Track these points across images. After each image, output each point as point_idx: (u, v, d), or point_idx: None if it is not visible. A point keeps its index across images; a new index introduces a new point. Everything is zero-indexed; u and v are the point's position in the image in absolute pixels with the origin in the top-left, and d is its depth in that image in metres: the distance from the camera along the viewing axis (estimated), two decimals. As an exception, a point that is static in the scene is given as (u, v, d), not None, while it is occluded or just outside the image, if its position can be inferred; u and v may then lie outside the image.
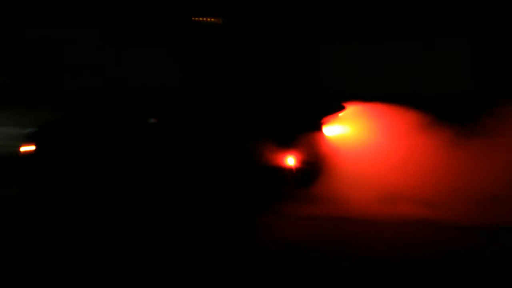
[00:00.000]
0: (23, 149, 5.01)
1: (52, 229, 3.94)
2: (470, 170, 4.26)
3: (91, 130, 4.93)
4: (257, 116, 4.64)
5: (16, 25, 12.79)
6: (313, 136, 4.53)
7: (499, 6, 8.82)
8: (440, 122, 4.49)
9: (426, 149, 4.43)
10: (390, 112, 4.77)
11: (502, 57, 8.27)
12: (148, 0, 12.50)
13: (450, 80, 8.79)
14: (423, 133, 4.56)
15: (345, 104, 4.88)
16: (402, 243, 3.56)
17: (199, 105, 4.78)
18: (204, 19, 12.72)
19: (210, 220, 4.17)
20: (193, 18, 12.70)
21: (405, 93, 7.49)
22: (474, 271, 3.01)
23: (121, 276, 3.03)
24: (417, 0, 9.95)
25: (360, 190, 4.30)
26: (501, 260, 3.19)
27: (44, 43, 12.11)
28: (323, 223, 4.02)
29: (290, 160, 4.54)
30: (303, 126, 4.57)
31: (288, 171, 4.54)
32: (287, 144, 4.49)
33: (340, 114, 4.76)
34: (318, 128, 4.53)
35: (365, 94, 5.08)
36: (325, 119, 4.59)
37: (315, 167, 4.49)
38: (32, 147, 4.96)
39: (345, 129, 4.71)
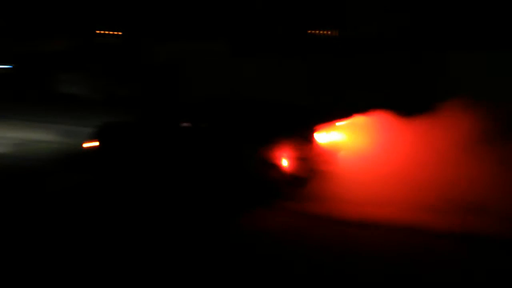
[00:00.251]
0: (86, 145, 6.11)
1: (111, 204, 5.11)
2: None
3: (139, 131, 5.89)
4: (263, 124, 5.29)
5: (156, 43, 14.52)
6: (308, 142, 4.88)
7: None
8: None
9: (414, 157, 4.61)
10: (387, 123, 4.96)
11: None
12: (269, 16, 13.40)
13: None
14: (415, 141, 4.70)
15: (347, 115, 5.20)
16: (380, 245, 3.81)
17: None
18: (320, 32, 13.22)
19: (216, 203, 4.96)
20: (309, 32, 13.27)
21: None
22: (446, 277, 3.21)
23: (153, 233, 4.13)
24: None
25: (349, 193, 4.55)
26: (476, 269, 3.37)
27: (176, 57, 13.49)
28: (309, 220, 4.37)
29: (286, 162, 4.94)
30: (298, 132, 5.03)
31: (284, 171, 4.92)
32: (284, 147, 4.94)
33: (339, 123, 5.10)
34: (311, 135, 4.91)
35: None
36: (318, 127, 4.95)
37: (309, 169, 4.83)
38: (95, 143, 6.00)
39: (341, 137, 5.01)
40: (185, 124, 5.54)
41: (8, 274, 3.39)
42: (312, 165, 4.87)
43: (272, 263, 3.50)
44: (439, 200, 4.39)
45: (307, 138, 4.92)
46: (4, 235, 4.19)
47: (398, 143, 4.82)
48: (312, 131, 4.94)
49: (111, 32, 20.65)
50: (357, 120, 5.23)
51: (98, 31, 21.60)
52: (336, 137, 5.03)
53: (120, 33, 20.22)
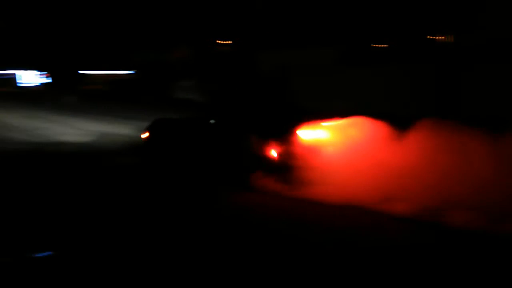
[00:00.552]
0: (143, 136, 7.59)
1: (144, 178, 6.67)
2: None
3: (176, 125, 7.40)
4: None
5: (263, 51, 14.79)
6: (291, 138, 5.84)
7: None
8: None
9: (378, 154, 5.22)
10: (368, 126, 5.53)
11: None
12: (380, 23, 12.67)
13: None
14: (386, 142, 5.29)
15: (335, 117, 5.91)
16: (343, 222, 4.61)
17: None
18: (438, 38, 12.01)
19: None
20: (428, 37, 12.16)
21: None
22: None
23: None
24: None
25: (322, 180, 5.29)
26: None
27: (282, 65, 13.50)
28: (289, 200, 5.32)
29: (273, 153, 5.96)
30: (284, 129, 5.93)
31: (270, 160, 5.96)
32: (273, 141, 6.01)
33: (325, 124, 5.86)
34: (294, 132, 5.86)
35: None
36: (301, 126, 5.85)
37: (290, 160, 5.72)
38: (147, 134, 7.49)
39: (325, 135, 5.81)
40: (207, 121, 6.97)
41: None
42: (294, 157, 5.70)
43: (255, 229, 4.45)
44: (412, 191, 4.85)
45: (291, 134, 5.86)
46: (70, 191, 5.85)
47: (378, 143, 5.40)
48: (295, 129, 5.86)
49: (225, 42, 21.76)
50: (343, 122, 5.90)
51: (215, 41, 22.99)
52: (319, 135, 5.83)
53: (230, 42, 21.24)
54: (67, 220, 4.53)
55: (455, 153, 4.77)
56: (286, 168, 5.70)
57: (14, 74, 35.35)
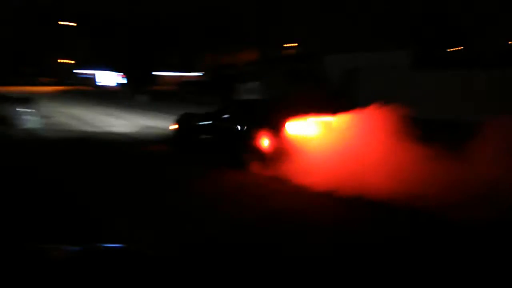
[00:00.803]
0: (172, 127, 8.92)
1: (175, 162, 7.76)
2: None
3: (197, 119, 8.58)
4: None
5: (330, 55, 14.35)
6: (279, 130, 6.70)
7: None
8: None
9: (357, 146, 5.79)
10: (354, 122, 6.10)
11: None
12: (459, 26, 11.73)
13: None
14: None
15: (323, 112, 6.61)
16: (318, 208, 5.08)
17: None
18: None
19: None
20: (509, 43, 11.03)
21: None
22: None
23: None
24: None
25: (306, 167, 5.91)
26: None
27: (351, 69, 12.92)
28: (275, 181, 6.07)
29: (266, 142, 6.90)
30: (274, 123, 6.81)
31: (264, 149, 6.88)
32: (264, 132, 6.94)
33: (313, 119, 6.59)
34: (282, 126, 6.71)
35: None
36: (288, 120, 6.67)
37: (279, 149, 6.55)
38: (175, 126, 8.74)
39: (312, 129, 6.57)
40: (221, 116, 8.14)
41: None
42: (282, 146, 6.54)
43: (244, 199, 5.34)
44: (380, 177, 5.28)
45: (279, 127, 6.75)
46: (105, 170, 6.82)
47: (358, 137, 5.93)
48: (283, 123, 6.73)
49: (292, 44, 21.57)
50: (332, 117, 6.54)
51: (282, 44, 22.85)
52: (306, 128, 6.60)
53: (296, 44, 21.00)
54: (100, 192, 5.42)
55: (423, 147, 5.31)
56: (275, 155, 6.57)
57: (94, 74, 38.12)
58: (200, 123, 8.33)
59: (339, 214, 4.76)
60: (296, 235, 4.08)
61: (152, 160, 7.66)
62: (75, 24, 33.79)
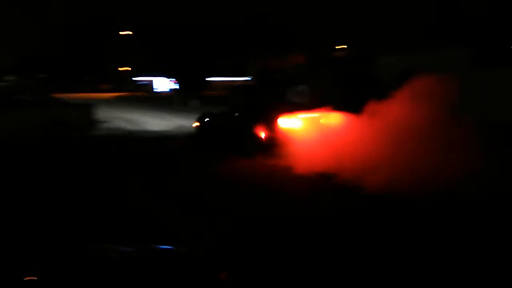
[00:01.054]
0: (194, 124, 10.31)
1: (191, 150, 9.95)
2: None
3: (214, 117, 10.10)
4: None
5: (377, 55, 13.92)
6: (273, 124, 8.26)
7: None
8: None
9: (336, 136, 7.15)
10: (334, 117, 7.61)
11: None
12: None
13: None
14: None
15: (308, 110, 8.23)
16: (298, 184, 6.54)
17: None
18: None
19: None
20: None
21: None
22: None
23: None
24: None
25: (296, 154, 7.26)
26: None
27: (405, 69, 12.44)
28: (271, 167, 7.59)
29: (263, 134, 8.44)
30: (269, 118, 8.39)
31: (261, 140, 8.48)
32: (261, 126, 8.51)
33: (301, 115, 8.11)
34: (275, 121, 8.28)
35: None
36: (280, 116, 8.23)
37: (273, 140, 8.01)
38: (197, 123, 10.17)
39: (299, 123, 8.02)
40: (233, 114, 9.70)
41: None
42: (275, 138, 7.97)
43: (244, 178, 6.91)
44: (352, 163, 6.41)
45: (273, 122, 8.30)
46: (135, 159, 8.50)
47: (339, 130, 7.23)
48: (276, 119, 8.29)
49: (341, 46, 21.15)
50: (316, 114, 8.00)
51: (331, 46, 22.49)
52: (295, 123, 8.05)
53: (345, 46, 20.53)
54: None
55: (387, 135, 6.37)
56: (269, 145, 8.10)
57: (152, 81, 39.73)
58: (216, 121, 9.85)
59: (303, 187, 6.27)
60: (265, 197, 5.77)
61: (174, 151, 9.50)
62: (131, 33, 35.45)
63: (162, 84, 38.77)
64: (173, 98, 29.60)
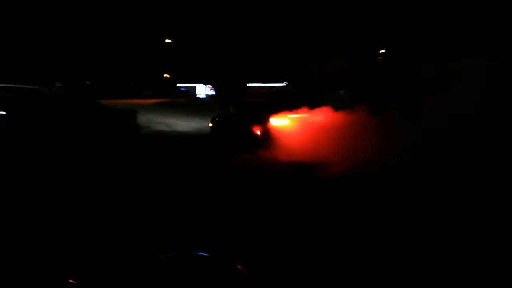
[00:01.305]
0: (210, 125, 11.94)
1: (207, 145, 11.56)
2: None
3: (224, 118, 12.03)
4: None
5: (426, 59, 13.52)
6: (267, 123, 10.00)
7: None
8: None
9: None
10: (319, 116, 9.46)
11: None
12: None
13: None
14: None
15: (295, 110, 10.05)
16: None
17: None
18: None
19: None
20: None
21: None
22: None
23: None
24: None
25: (286, 147, 9.15)
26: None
27: (448, 74, 11.99)
28: (266, 160, 9.13)
29: (258, 131, 10.13)
30: (263, 118, 10.14)
31: (257, 136, 10.18)
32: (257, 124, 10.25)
33: (290, 115, 9.95)
34: (268, 120, 10.02)
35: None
36: (271, 116, 10.02)
37: (266, 136, 9.84)
38: (211, 124, 11.81)
39: (287, 122, 9.86)
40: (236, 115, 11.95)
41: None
42: (268, 134, 9.76)
43: (245, 167, 8.54)
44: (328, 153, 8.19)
45: (267, 121, 9.97)
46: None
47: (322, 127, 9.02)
48: (268, 118, 9.97)
49: (382, 51, 20.76)
50: (302, 114, 9.72)
51: (370, 50, 22.13)
52: (284, 122, 9.73)
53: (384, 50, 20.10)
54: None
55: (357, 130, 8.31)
56: (263, 141, 9.77)
57: (194, 87, 40.57)
58: (224, 122, 11.62)
59: (280, 171, 8.05)
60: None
61: (190, 148, 11.20)
62: (170, 41, 36.38)
63: (201, 90, 39.51)
64: (210, 104, 30.10)
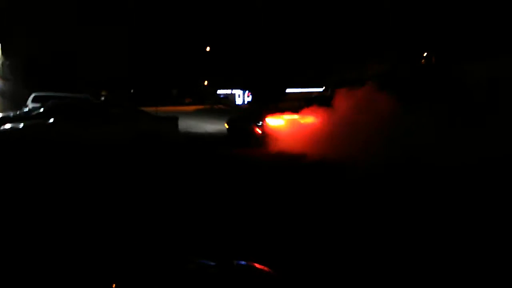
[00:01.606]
0: (226, 126, 13.86)
1: (224, 142, 13.44)
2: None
3: (236, 119, 14.08)
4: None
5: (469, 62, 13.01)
6: (264, 122, 11.76)
7: None
8: None
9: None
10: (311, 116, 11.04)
11: None
12: None
13: None
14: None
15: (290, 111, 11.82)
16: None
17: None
18: None
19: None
20: None
21: None
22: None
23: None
24: None
25: (282, 143, 10.65)
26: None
27: (493, 77, 11.49)
28: (264, 154, 10.63)
29: (258, 130, 11.93)
30: (261, 118, 12.02)
31: (257, 134, 12.03)
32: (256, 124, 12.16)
33: (285, 116, 11.60)
34: (264, 119, 11.78)
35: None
36: (267, 116, 11.76)
37: (264, 134, 11.60)
38: (227, 125, 13.80)
39: (282, 122, 11.50)
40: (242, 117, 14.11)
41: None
42: (265, 132, 11.43)
43: (245, 159, 10.12)
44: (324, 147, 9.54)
45: (263, 121, 11.70)
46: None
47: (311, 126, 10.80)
48: (265, 118, 11.69)
49: (424, 54, 20.12)
50: (296, 115, 11.40)
51: (410, 54, 21.48)
52: (279, 121, 11.35)
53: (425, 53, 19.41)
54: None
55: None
56: (262, 138, 11.41)
57: (232, 94, 41.14)
58: (235, 123, 13.43)
59: (275, 162, 9.47)
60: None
61: (209, 145, 12.95)
62: (208, 49, 37.08)
63: (240, 97, 40.01)
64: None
